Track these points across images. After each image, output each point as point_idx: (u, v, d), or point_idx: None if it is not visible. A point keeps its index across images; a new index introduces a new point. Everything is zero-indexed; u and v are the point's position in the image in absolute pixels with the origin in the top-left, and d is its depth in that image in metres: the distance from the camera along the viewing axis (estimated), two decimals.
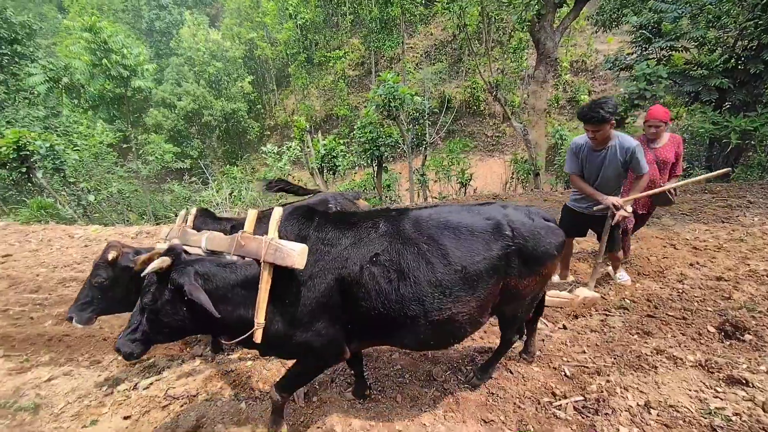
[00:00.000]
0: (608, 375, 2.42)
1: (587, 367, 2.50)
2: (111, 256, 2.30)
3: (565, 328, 3.03)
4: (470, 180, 9.04)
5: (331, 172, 9.64)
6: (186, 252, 1.82)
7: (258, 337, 1.72)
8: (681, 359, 2.50)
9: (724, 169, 3.63)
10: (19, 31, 12.65)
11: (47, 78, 12.40)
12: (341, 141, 9.16)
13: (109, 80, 13.20)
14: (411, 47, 31.41)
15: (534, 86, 9.94)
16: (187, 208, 2.61)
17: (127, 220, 11.04)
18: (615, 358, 2.58)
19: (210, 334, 2.00)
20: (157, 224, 9.14)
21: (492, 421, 2.13)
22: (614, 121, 3.00)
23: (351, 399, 2.37)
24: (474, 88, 24.99)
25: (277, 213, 1.81)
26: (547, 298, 3.24)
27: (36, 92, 12.71)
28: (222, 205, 9.29)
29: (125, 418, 2.39)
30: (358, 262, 1.79)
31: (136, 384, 2.70)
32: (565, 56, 23.61)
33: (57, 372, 2.94)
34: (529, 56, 21.37)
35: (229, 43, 31.39)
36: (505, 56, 21.98)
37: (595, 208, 3.20)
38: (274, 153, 10.22)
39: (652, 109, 3.55)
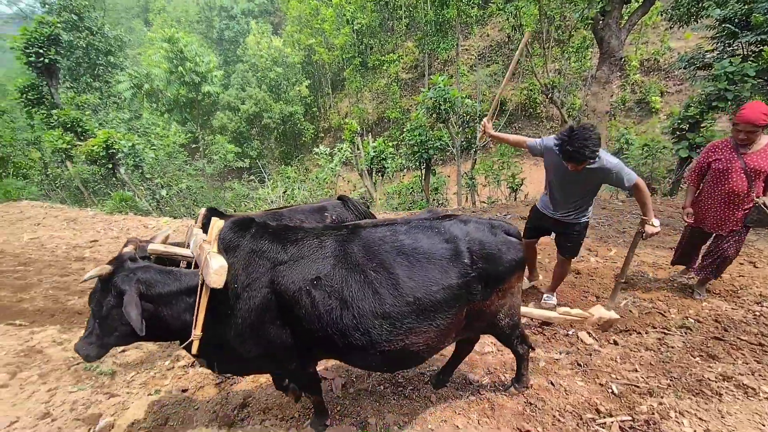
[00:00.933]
0: (662, 397, 2.24)
1: (638, 387, 2.34)
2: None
3: (616, 343, 2.85)
4: (521, 185, 8.72)
5: (379, 174, 9.79)
6: (133, 260, 1.83)
7: (194, 349, 1.70)
8: (754, 389, 2.25)
9: None
10: (112, 44, 14.42)
11: (132, 84, 13.97)
12: (391, 143, 9.29)
13: (183, 86, 14.52)
14: (466, 49, 30.96)
15: (596, 87, 9.36)
16: (206, 207, 2.69)
17: (193, 214, 12.06)
18: (671, 380, 2.39)
19: (159, 340, 2.00)
20: None
21: (528, 431, 2.07)
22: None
23: (386, 393, 2.43)
24: (531, 90, 24.05)
25: (218, 225, 1.79)
26: (554, 315, 3.07)
27: (123, 97, 14.39)
28: (276, 203, 9.85)
29: (183, 390, 2.64)
30: (297, 282, 1.67)
31: (194, 362, 2.97)
32: (635, 54, 21.92)
33: (130, 345, 3.31)
34: (593, 56, 20.14)
35: (289, 50, 33.03)
36: (565, 56, 20.88)
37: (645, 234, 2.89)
38: (326, 154, 10.61)
39: (744, 110, 2.91)
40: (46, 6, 14.59)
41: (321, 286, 1.66)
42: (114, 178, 11.34)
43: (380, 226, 1.88)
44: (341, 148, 10.51)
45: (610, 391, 2.33)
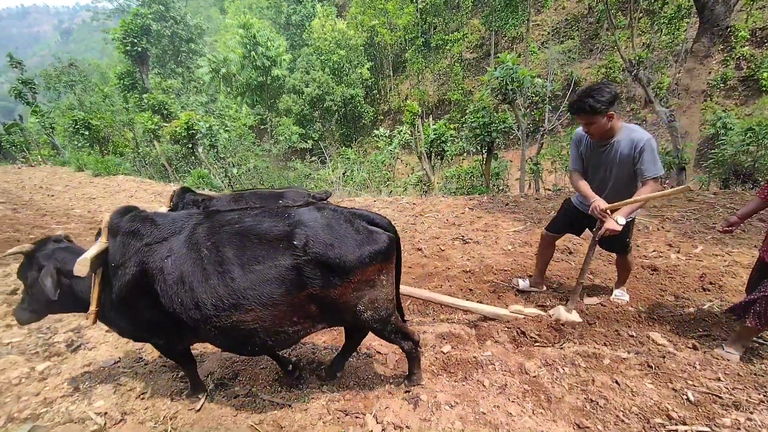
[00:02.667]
0: (751, 412, 2.00)
1: (720, 397, 2.11)
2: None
3: (695, 348, 2.58)
4: None
5: (438, 157, 9.63)
6: (57, 240, 2.18)
7: (90, 321, 2.00)
8: None
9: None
10: (193, 32, 15.63)
11: (211, 69, 15.08)
12: (451, 126, 9.04)
13: (255, 70, 15.32)
14: (537, 24, 28.80)
15: (691, 63, 8.21)
16: (181, 186, 2.97)
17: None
18: (766, 396, 2.12)
19: (74, 311, 2.21)
20: None
21: (587, 428, 1.97)
22: (612, 113, 2.49)
23: (439, 373, 2.46)
24: (610, 68, 21.83)
25: (107, 216, 2.02)
26: (503, 312, 3.00)
27: (202, 81, 15.61)
28: (336, 183, 10.17)
29: None
30: (155, 261, 1.83)
31: None
32: (744, 23, 18.79)
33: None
34: (689, 26, 17.63)
35: (352, 32, 33.15)
36: (655, 28, 18.51)
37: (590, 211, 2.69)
38: (385, 136, 10.65)
39: None
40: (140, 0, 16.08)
41: (168, 264, 1.81)
42: (193, 157, 12.46)
43: (237, 210, 1.99)
44: (400, 131, 10.47)
45: (685, 397, 2.13)
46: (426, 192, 9.67)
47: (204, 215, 1.99)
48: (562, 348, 2.69)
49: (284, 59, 15.59)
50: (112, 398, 2.37)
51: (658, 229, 5.05)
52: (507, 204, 6.70)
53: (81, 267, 1.88)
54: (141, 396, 2.40)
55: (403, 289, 2.98)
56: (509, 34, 29.59)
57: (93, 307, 1.99)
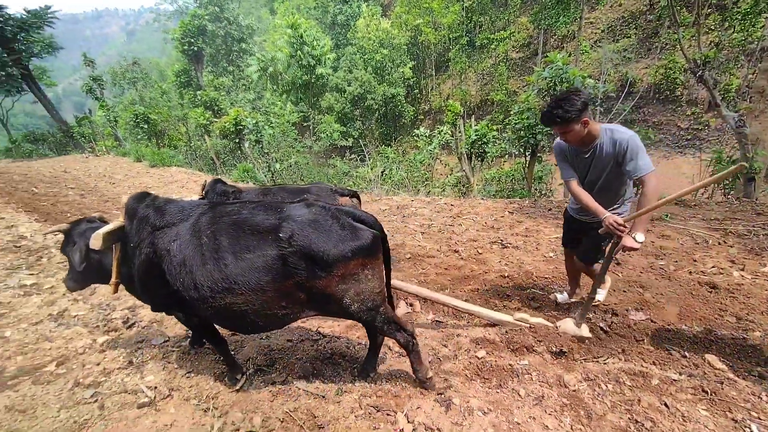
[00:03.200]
0: None
1: None
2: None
3: (761, 377, 2.35)
4: None
5: (479, 159, 9.43)
6: (91, 221, 2.55)
7: (112, 290, 2.36)
8: None
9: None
10: (245, 32, 16.36)
11: (259, 68, 15.73)
12: (494, 127, 8.80)
13: (300, 69, 15.76)
14: (591, 22, 27.39)
15: None
16: (213, 178, 3.20)
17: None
18: None
19: (105, 282, 2.48)
20: None
21: None
22: (586, 119, 2.38)
23: (473, 378, 2.41)
24: (670, 69, 20.36)
25: (125, 198, 2.33)
26: (507, 318, 2.93)
27: (250, 80, 16.31)
28: (374, 182, 10.25)
29: (288, 341, 2.99)
30: (164, 244, 2.06)
31: None
32: None
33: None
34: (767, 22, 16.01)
35: (396, 31, 33.19)
36: (726, 24, 16.99)
37: (600, 231, 2.50)
38: (425, 136, 10.58)
39: None
40: (197, 1, 17.05)
41: (174, 248, 2.03)
42: (239, 151, 13.04)
43: (238, 203, 2.17)
44: (441, 131, 10.36)
45: (748, 430, 1.95)
46: (464, 193, 9.51)
47: (208, 206, 2.19)
48: (605, 363, 2.56)
49: (329, 58, 15.93)
50: (161, 374, 2.54)
51: (719, 244, 4.65)
52: (550, 209, 6.45)
53: (95, 241, 2.20)
54: (186, 375, 2.55)
55: (410, 287, 3.10)
56: (559, 32, 28.40)
57: (113, 279, 2.34)
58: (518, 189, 9.10)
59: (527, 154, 8.40)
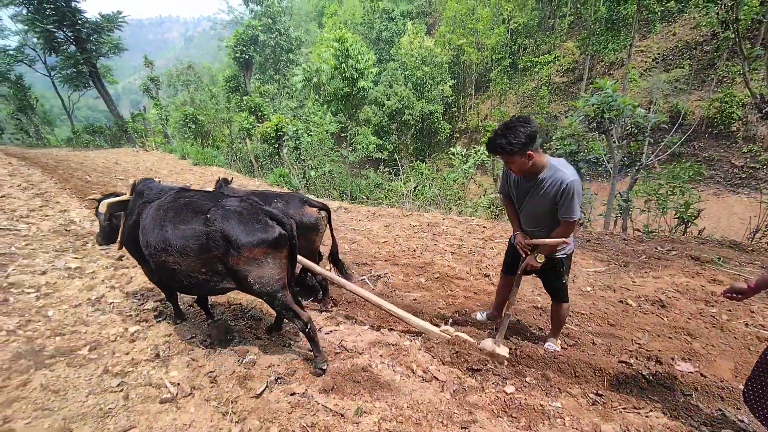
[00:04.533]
0: None
1: None
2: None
3: None
4: (696, 217, 7.03)
5: None
6: (118, 195, 3.21)
7: (117, 248, 3.09)
8: None
9: None
10: (293, 43, 17.07)
11: (304, 78, 16.31)
12: None
13: (343, 81, 16.19)
14: (641, 50, 26.56)
15: None
16: (221, 177, 3.99)
17: (330, 196, 13.45)
18: None
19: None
20: (353, 202, 10.79)
21: None
22: (531, 152, 2.35)
23: (498, 414, 2.27)
24: (726, 102, 19.28)
25: (133, 180, 3.13)
26: (431, 328, 3.08)
27: (294, 88, 16.94)
28: (406, 196, 10.21)
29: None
30: (143, 213, 2.71)
31: (321, 327, 3.29)
32: None
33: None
34: None
35: (439, 49, 33.55)
36: None
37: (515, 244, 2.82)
38: (461, 155, 10.48)
39: None
40: (252, 13, 17.99)
41: (146, 216, 2.65)
42: (277, 156, 13.43)
43: (199, 192, 2.79)
44: (477, 150, 10.23)
45: None
46: (497, 216, 9.29)
47: (177, 190, 2.80)
48: (647, 416, 2.34)
49: (371, 72, 16.27)
50: (184, 371, 2.56)
51: None
52: (588, 240, 6.14)
53: (101, 207, 3.08)
54: (209, 374, 2.56)
55: (349, 285, 3.32)
56: (607, 58, 27.72)
57: (119, 239, 3.03)
58: None
59: None
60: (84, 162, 13.79)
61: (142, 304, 3.51)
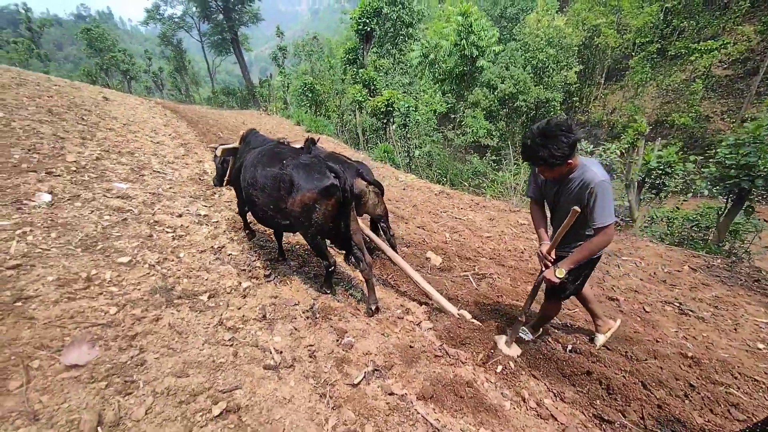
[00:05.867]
0: None
1: None
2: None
3: None
4: None
5: (653, 191, 7.73)
6: (225, 143, 4.05)
7: (224, 184, 4.07)
8: None
9: None
10: (414, 17, 16.66)
11: (421, 54, 15.91)
12: (693, 158, 6.96)
13: (461, 59, 15.37)
14: None
15: None
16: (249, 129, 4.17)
17: (428, 177, 13.10)
18: None
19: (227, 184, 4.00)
20: (454, 188, 10.31)
21: None
22: (571, 161, 2.15)
23: None
24: None
25: (243, 131, 3.90)
26: (450, 308, 3.22)
27: (410, 64, 16.70)
28: (514, 190, 9.31)
29: (410, 345, 2.76)
30: (247, 157, 3.31)
31: (420, 322, 3.07)
32: None
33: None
34: None
35: (570, 30, 29.88)
36: None
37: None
38: (587, 151, 9.17)
39: None
40: None
41: (247, 159, 3.28)
42: (383, 131, 13.46)
43: (288, 147, 3.28)
44: (608, 148, 8.83)
45: None
46: (621, 228, 7.99)
47: (274, 143, 3.40)
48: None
49: (493, 50, 15.09)
50: (287, 339, 2.56)
51: None
52: (757, 280, 4.82)
53: (217, 151, 3.87)
54: (308, 348, 2.53)
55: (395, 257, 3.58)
56: None
57: (227, 177, 3.87)
58: (698, 239, 7.18)
59: (729, 198, 6.51)
60: (218, 120, 15.60)
61: (255, 261, 3.68)
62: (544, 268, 2.45)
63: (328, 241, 3.23)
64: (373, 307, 3.09)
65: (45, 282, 2.48)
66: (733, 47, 25.96)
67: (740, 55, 26.24)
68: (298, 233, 3.31)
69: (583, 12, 32.23)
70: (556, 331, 3.26)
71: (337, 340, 2.64)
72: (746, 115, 24.30)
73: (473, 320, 3.13)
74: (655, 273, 4.92)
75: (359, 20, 16.57)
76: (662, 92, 29.43)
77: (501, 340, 2.88)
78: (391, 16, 17.18)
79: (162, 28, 29.36)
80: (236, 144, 3.73)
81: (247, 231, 4.07)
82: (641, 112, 28.43)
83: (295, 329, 2.69)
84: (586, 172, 2.23)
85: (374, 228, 4.20)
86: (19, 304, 2.21)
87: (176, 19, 27.82)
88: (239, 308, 2.80)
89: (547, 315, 2.91)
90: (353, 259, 3.13)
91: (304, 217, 2.82)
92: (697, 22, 28.02)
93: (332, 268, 3.16)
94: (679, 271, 5.05)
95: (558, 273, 2.34)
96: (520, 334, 2.98)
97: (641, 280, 4.71)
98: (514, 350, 2.82)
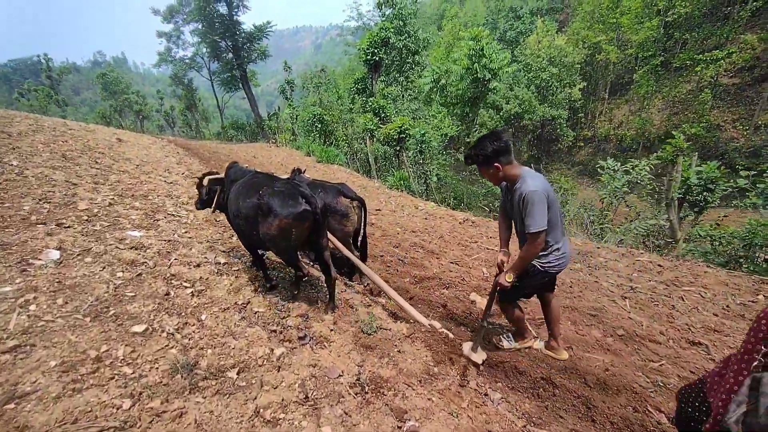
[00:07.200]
0: None
1: None
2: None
3: None
4: None
5: (694, 209, 7.22)
6: (214, 173, 4.10)
7: (210, 213, 4.09)
8: None
9: None
10: (420, 45, 16.89)
11: (432, 79, 15.97)
12: (746, 173, 6.47)
13: (473, 82, 15.33)
14: None
15: None
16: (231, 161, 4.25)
17: (443, 201, 12.70)
18: None
19: (210, 208, 4.00)
20: (471, 212, 9.89)
21: None
22: (498, 164, 2.48)
23: None
24: None
25: (228, 164, 4.04)
26: (422, 319, 3.36)
27: (419, 90, 16.78)
28: None
29: (451, 415, 2.25)
30: (231, 189, 3.61)
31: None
32: None
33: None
34: None
35: (570, 48, 30.17)
36: None
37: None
38: (612, 170, 8.74)
39: None
40: (384, 16, 18.33)
41: (231, 191, 3.57)
42: (396, 159, 13.21)
43: (266, 176, 3.54)
44: (637, 166, 8.40)
45: None
46: (661, 250, 7.43)
47: (252, 173, 3.65)
48: None
49: (506, 72, 15.08)
50: (339, 429, 2.09)
51: None
52: None
53: (204, 182, 3.96)
54: None
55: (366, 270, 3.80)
56: None
57: (212, 207, 3.91)
58: (751, 258, 6.59)
59: None
60: (230, 154, 15.55)
61: (285, 318, 3.25)
62: (497, 276, 2.73)
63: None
64: (333, 310, 3.48)
65: (46, 369, 2.07)
66: (736, 56, 25.84)
67: (746, 63, 26.07)
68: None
69: (583, 30, 32.62)
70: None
71: (399, 427, 2.16)
72: (759, 122, 23.87)
73: (443, 330, 3.22)
74: (728, 306, 4.36)
75: (367, 50, 16.73)
76: (668, 103, 29.25)
77: (466, 346, 2.99)
78: (398, 45, 17.37)
79: (173, 69, 30.39)
80: (221, 175, 3.93)
81: (267, 285, 3.80)
82: (649, 124, 28.16)
83: (346, 413, 2.21)
84: (523, 183, 2.46)
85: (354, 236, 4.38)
86: (12, 406, 1.80)
87: (187, 60, 28.76)
88: (275, 387, 2.34)
89: (510, 318, 3.06)
90: (323, 271, 3.51)
91: (281, 239, 3.10)
92: (699, 33, 28.10)
93: (305, 278, 3.59)
94: (753, 302, 4.48)
95: (507, 278, 2.61)
96: (503, 340, 3.21)
97: (715, 315, 4.16)
98: (479, 355, 2.92)
